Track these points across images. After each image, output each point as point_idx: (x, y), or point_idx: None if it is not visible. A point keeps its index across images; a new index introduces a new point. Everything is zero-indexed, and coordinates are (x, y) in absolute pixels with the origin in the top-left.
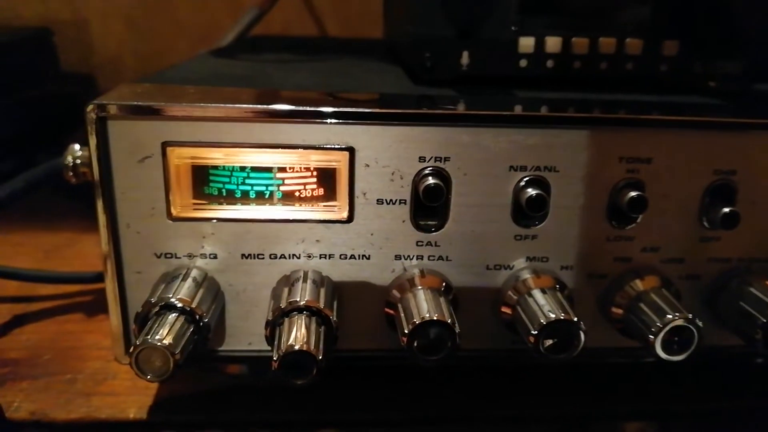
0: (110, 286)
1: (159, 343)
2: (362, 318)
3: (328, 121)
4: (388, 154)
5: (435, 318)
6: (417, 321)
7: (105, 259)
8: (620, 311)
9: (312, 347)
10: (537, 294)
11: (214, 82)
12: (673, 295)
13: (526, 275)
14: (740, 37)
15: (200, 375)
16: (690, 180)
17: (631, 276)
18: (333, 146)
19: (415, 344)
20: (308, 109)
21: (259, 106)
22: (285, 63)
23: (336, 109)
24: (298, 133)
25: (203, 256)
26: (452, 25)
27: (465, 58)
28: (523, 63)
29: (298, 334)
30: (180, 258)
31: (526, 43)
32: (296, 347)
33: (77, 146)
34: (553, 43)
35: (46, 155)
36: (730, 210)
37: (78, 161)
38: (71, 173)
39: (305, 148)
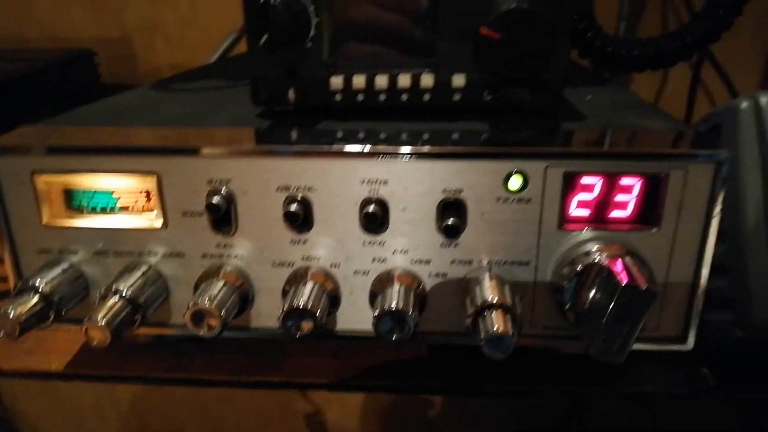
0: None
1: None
2: None
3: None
4: (181, 178)
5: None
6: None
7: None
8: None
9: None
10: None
11: (97, 119)
12: (420, 293)
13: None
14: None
15: None
16: (424, 196)
17: (387, 274)
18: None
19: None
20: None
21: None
22: (182, 93)
23: (139, 146)
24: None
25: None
26: (279, 67)
27: (291, 94)
28: (338, 97)
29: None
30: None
31: (337, 81)
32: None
33: None
34: (359, 81)
35: None
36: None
37: None
38: None
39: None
